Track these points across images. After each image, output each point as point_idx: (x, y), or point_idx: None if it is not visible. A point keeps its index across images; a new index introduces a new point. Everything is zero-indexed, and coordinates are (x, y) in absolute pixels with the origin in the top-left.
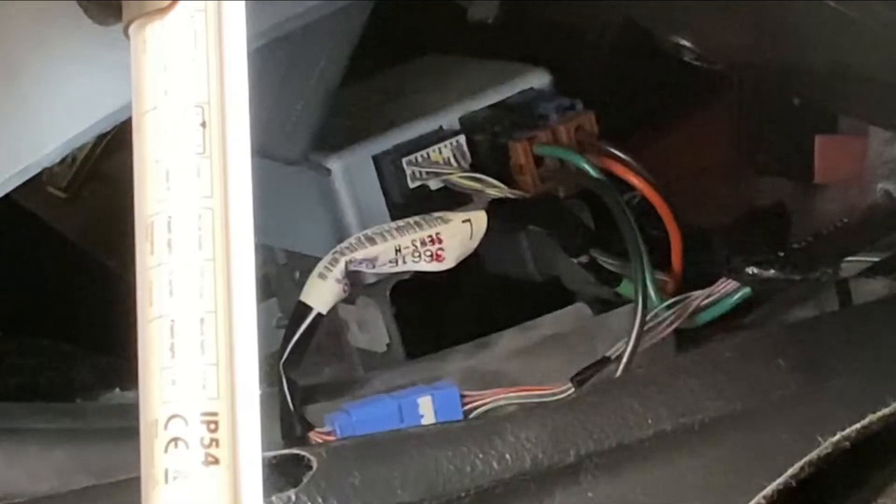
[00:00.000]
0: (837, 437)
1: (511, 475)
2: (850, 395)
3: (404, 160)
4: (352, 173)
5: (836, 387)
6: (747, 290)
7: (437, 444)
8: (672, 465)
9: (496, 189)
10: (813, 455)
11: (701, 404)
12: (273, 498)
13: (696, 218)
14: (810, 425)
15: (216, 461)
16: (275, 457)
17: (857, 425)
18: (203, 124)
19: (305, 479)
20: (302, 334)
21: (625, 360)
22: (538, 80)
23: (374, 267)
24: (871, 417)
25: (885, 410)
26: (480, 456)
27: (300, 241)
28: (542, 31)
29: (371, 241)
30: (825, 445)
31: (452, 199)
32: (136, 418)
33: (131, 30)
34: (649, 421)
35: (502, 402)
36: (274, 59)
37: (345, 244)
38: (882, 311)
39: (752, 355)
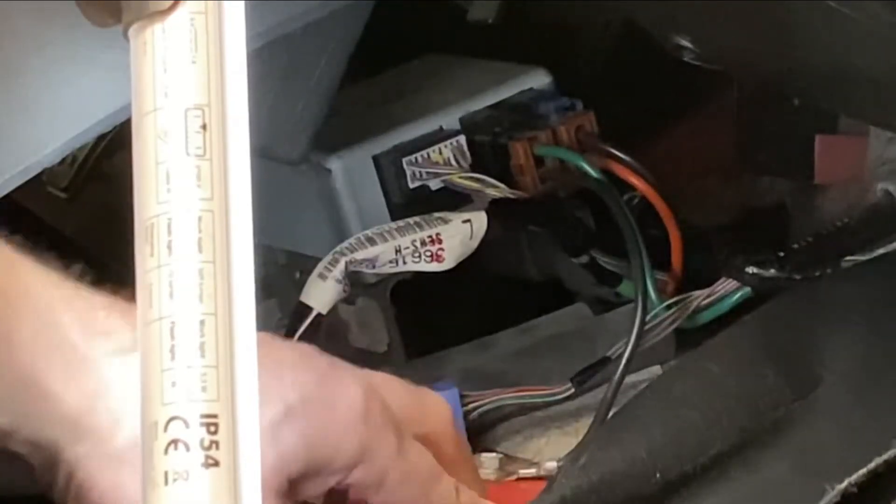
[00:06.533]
0: (845, 483)
1: None
2: (842, 410)
3: (404, 160)
4: (352, 173)
5: (825, 399)
6: (747, 290)
7: None
8: None
9: (496, 189)
10: None
11: (704, 444)
12: None
13: (696, 218)
14: (809, 458)
15: (216, 463)
16: None
17: (864, 469)
18: (203, 126)
19: None
20: (302, 334)
21: (625, 360)
22: (538, 80)
23: (374, 267)
24: (877, 461)
25: (892, 452)
26: None
27: (300, 241)
28: (542, 31)
29: (371, 241)
30: (834, 494)
31: (452, 199)
32: None
33: (131, 32)
34: (657, 476)
35: (502, 402)
36: (274, 59)
37: (345, 244)
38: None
39: (740, 368)
